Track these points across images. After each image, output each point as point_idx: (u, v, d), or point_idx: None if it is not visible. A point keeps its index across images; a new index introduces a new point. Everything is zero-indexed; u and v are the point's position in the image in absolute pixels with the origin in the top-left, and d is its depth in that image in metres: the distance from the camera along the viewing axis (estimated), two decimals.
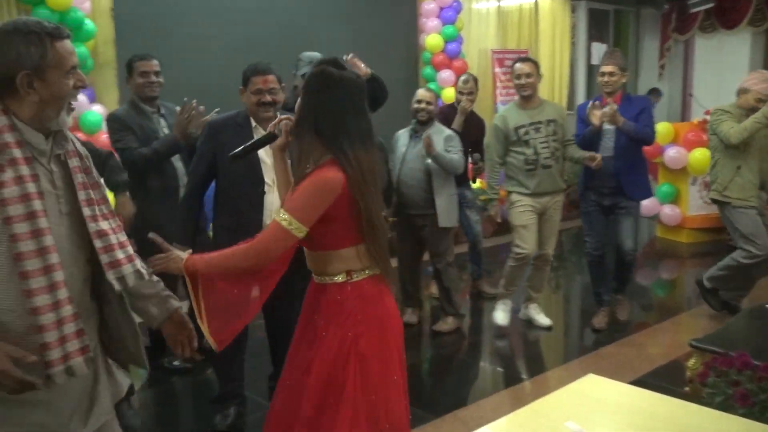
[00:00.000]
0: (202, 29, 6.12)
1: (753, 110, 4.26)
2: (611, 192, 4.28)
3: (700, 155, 6.27)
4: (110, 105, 5.40)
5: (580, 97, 9.10)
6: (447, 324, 4.47)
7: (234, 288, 2.01)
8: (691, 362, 2.95)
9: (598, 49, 9.35)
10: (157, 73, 3.63)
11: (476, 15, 8.31)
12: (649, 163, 4.68)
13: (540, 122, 4.23)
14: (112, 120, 3.57)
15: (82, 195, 1.64)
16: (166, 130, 3.60)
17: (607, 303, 4.59)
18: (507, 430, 1.87)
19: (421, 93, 4.39)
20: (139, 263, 1.77)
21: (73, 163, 1.65)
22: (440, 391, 3.73)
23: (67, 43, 1.61)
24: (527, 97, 4.28)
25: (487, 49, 8.36)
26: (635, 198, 4.35)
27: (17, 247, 1.49)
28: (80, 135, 5.24)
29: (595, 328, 4.46)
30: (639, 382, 3.30)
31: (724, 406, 2.22)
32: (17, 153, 1.53)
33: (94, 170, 1.74)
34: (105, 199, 1.74)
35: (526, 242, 4.27)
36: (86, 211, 1.64)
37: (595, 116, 4.14)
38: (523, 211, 4.29)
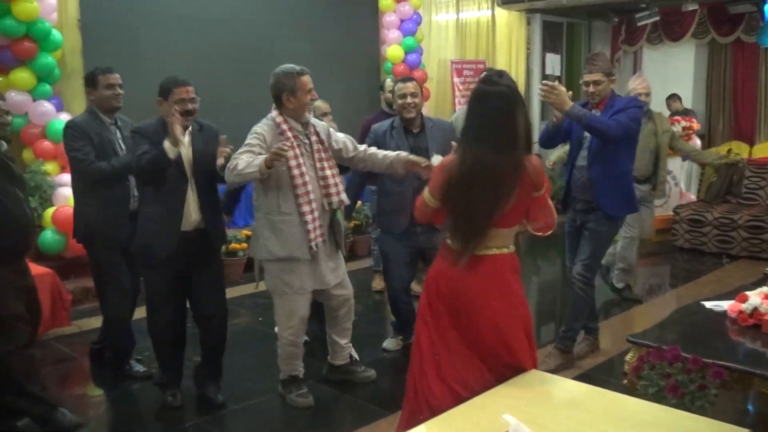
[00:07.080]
0: (168, 40, 6.19)
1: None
2: (584, 209, 3.76)
3: None
4: (77, 113, 5.39)
5: (535, 105, 9.37)
6: None
7: None
8: (629, 356, 2.94)
9: (552, 59, 9.72)
10: (120, 86, 3.68)
11: (435, 27, 8.58)
12: None
13: None
14: (71, 127, 3.60)
15: (316, 156, 3.25)
16: (120, 142, 3.67)
17: (590, 332, 4.11)
18: (449, 424, 1.98)
19: None
20: (343, 195, 3.32)
21: (313, 138, 3.26)
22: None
23: (306, 78, 3.15)
24: None
25: (447, 60, 8.64)
26: (609, 213, 3.70)
27: (294, 181, 3.13)
28: (47, 143, 5.32)
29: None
30: (583, 377, 3.52)
31: (657, 397, 2.32)
32: (289, 134, 3.16)
33: (326, 140, 3.32)
34: (330, 158, 3.30)
35: None
36: (318, 165, 3.23)
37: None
38: None
